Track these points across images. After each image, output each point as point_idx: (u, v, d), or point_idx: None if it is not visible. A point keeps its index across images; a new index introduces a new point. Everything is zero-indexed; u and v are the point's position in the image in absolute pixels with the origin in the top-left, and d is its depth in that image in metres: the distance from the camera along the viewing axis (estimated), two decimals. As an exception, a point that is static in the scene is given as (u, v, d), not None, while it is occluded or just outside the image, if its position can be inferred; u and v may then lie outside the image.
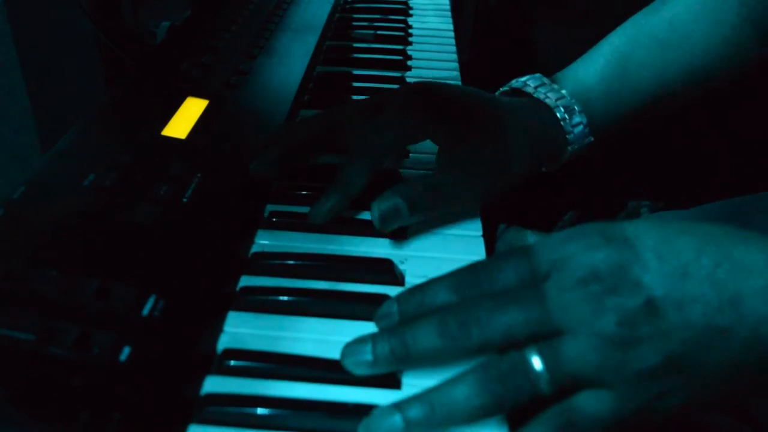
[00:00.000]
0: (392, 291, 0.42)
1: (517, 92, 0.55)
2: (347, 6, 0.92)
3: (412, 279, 0.44)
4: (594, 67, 0.56)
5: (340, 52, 0.78)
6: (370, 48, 0.79)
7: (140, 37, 0.56)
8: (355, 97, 0.67)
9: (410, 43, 0.81)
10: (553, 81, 0.56)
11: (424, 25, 0.87)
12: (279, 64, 0.65)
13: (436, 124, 0.49)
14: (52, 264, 0.36)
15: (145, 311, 0.34)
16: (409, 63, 0.76)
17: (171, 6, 0.62)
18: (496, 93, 0.57)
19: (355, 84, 0.70)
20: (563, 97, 0.54)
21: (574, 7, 1.01)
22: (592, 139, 0.54)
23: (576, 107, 0.53)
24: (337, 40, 0.81)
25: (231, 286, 0.42)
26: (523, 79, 0.55)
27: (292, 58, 0.67)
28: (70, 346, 0.31)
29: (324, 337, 0.39)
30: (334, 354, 0.37)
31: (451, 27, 0.87)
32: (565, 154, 0.54)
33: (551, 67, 0.58)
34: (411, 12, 0.91)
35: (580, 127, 0.53)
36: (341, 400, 0.35)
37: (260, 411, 0.34)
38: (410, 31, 0.85)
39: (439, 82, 0.52)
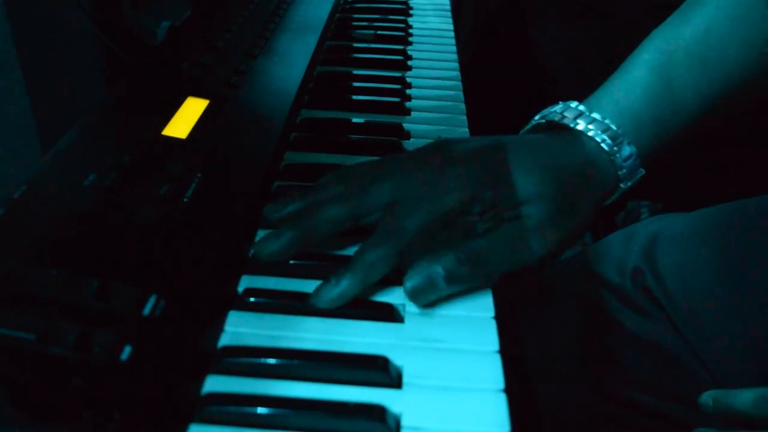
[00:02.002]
0: (392, 290, 0.43)
1: (553, 125, 0.50)
2: (347, 6, 0.92)
3: (412, 279, 0.44)
4: (636, 90, 0.50)
5: (340, 52, 0.78)
6: (370, 48, 0.79)
7: (140, 37, 0.56)
8: (355, 97, 0.67)
9: (410, 43, 0.81)
10: (590, 108, 0.50)
11: (424, 25, 0.87)
12: (279, 64, 0.65)
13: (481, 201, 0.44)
14: (53, 264, 0.36)
15: (146, 311, 0.34)
16: (409, 63, 0.76)
17: (171, 6, 0.62)
18: (531, 123, 0.52)
19: (356, 84, 0.70)
20: (608, 128, 0.48)
21: (574, 7, 1.01)
22: (644, 172, 0.49)
23: (625, 138, 0.48)
24: (337, 40, 0.82)
25: (231, 286, 0.42)
26: (558, 109, 0.50)
27: (292, 58, 0.67)
28: (70, 346, 0.31)
29: (325, 336, 0.39)
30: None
31: (451, 27, 0.87)
32: (616, 192, 0.49)
33: (551, 67, 0.57)
34: (411, 12, 0.92)
35: (631, 159, 0.48)
36: (341, 399, 0.35)
37: (261, 410, 0.34)
38: (410, 31, 0.85)
39: (474, 149, 0.46)
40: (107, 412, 0.29)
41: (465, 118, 0.64)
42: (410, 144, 0.59)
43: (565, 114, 0.49)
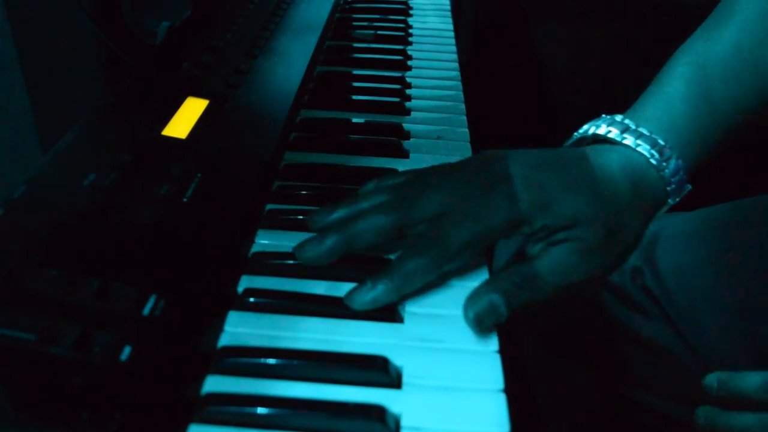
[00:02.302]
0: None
1: (598, 139, 0.48)
2: (347, 6, 0.92)
3: (412, 279, 0.44)
4: (676, 104, 0.49)
5: (340, 52, 0.78)
6: (370, 48, 0.79)
7: (140, 37, 0.56)
8: (355, 97, 0.67)
9: (410, 43, 0.81)
10: (636, 123, 0.48)
11: (424, 25, 0.87)
12: (279, 64, 0.65)
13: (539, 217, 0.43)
14: (53, 264, 0.36)
15: (146, 311, 0.34)
16: (409, 63, 0.76)
17: (171, 6, 0.62)
18: (574, 136, 0.50)
19: (356, 84, 0.70)
20: (656, 142, 0.46)
21: (574, 7, 1.01)
22: (690, 187, 0.48)
23: (673, 153, 0.46)
24: (337, 40, 0.82)
25: (231, 286, 0.42)
26: (604, 123, 0.48)
27: (292, 58, 0.67)
28: (70, 346, 0.31)
29: (324, 336, 0.39)
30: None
31: (451, 27, 0.87)
32: (663, 208, 0.48)
33: (551, 67, 0.57)
34: (411, 12, 0.92)
35: (679, 174, 0.47)
36: (341, 399, 0.35)
37: (260, 410, 0.34)
38: (410, 31, 0.85)
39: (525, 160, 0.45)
40: (107, 412, 0.29)
41: (465, 118, 0.64)
42: (410, 144, 0.60)
43: (611, 128, 0.47)
